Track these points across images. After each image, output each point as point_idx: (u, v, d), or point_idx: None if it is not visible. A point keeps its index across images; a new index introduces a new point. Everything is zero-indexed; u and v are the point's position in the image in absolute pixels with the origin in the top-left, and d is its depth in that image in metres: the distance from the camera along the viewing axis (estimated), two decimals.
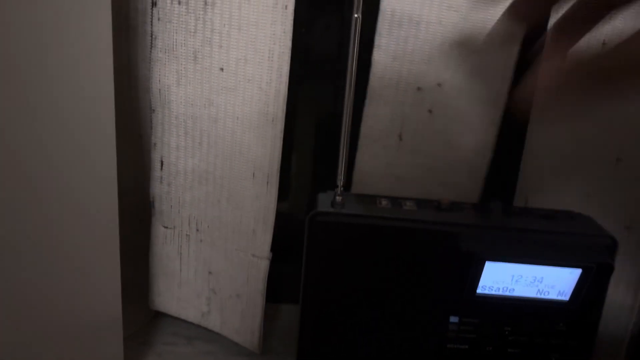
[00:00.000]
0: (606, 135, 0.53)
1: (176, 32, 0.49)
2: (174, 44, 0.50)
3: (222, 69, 0.49)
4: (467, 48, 0.52)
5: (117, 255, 0.46)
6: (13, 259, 0.40)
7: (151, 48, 0.50)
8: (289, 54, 0.47)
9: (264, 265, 0.52)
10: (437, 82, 0.53)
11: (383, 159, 0.56)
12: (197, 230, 0.55)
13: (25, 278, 0.41)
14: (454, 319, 0.52)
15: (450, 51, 0.52)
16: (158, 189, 0.55)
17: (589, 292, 0.50)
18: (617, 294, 0.56)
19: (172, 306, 0.59)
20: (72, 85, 0.39)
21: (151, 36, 0.50)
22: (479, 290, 0.51)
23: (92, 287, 0.45)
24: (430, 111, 0.54)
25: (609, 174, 0.53)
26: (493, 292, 0.51)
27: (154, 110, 0.53)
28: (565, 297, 0.51)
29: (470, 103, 0.53)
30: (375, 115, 0.54)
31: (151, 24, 0.50)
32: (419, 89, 0.53)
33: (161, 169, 0.54)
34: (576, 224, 0.52)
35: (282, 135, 0.49)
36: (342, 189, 0.51)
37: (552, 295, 0.51)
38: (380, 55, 0.52)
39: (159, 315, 0.63)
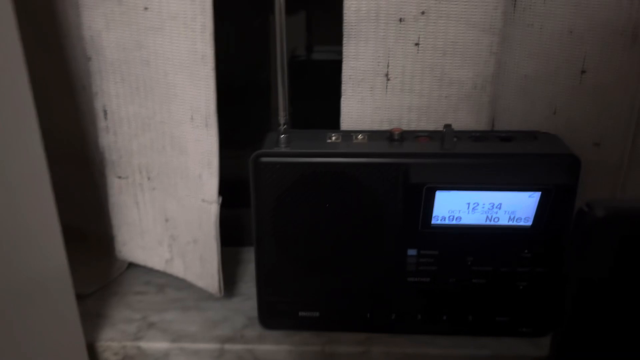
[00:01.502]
0: (569, 48, 0.48)
1: None
2: None
3: (146, 8, 0.47)
4: None
5: (53, 205, 0.45)
6: None
7: None
8: None
9: (214, 209, 0.51)
10: (420, 10, 0.49)
11: (371, 102, 0.52)
12: (149, 178, 0.54)
13: None
14: (412, 252, 0.50)
15: None
16: (106, 139, 0.54)
17: (553, 215, 0.47)
18: None
19: (138, 255, 0.59)
20: None
21: None
22: (434, 221, 0.49)
23: (32, 243, 0.44)
24: (417, 44, 0.50)
25: (575, 88, 0.49)
26: (449, 222, 0.49)
27: (89, 58, 0.51)
28: (528, 223, 0.48)
29: (462, 31, 0.49)
30: (356, 54, 0.51)
31: None
32: (401, 20, 0.49)
33: (105, 118, 0.53)
34: (537, 145, 0.49)
35: (214, 74, 0.47)
36: (285, 126, 0.49)
37: (513, 221, 0.48)
38: None
39: (134, 265, 0.63)
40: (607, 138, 0.50)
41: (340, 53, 0.66)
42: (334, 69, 0.66)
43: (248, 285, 0.61)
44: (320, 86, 0.65)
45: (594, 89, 0.48)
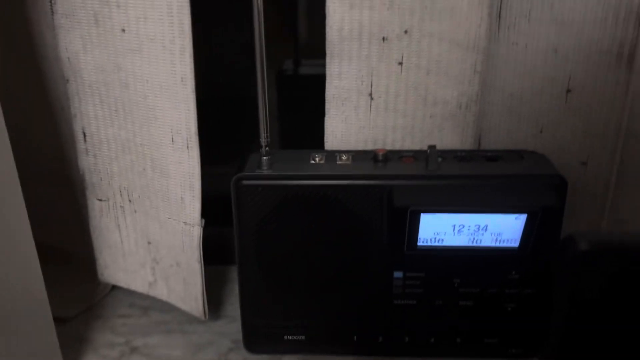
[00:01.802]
0: (554, 68, 0.48)
1: None
2: (73, 7, 0.46)
3: (123, 30, 0.46)
4: None
5: (28, 228, 0.44)
6: None
7: (52, 14, 0.47)
8: (188, 6, 0.43)
9: (196, 232, 0.50)
10: (403, 29, 0.48)
11: (355, 121, 0.52)
12: (130, 200, 0.53)
13: None
14: (398, 275, 0.50)
15: None
16: (86, 161, 0.53)
17: (540, 236, 0.47)
18: None
19: (120, 277, 0.58)
20: None
21: (50, 1, 0.47)
22: (419, 243, 0.48)
23: (7, 267, 0.43)
24: (400, 63, 0.49)
25: (560, 106, 0.49)
26: (435, 244, 0.48)
27: (67, 80, 0.50)
28: (515, 244, 0.48)
29: (446, 50, 0.48)
30: (339, 73, 0.50)
31: None
32: (384, 39, 0.49)
33: (84, 140, 0.52)
34: (523, 165, 0.48)
35: (194, 96, 0.46)
36: (267, 148, 0.48)
37: (500, 243, 0.48)
38: (335, 4, 0.47)
39: (119, 287, 0.62)
40: (594, 157, 0.49)
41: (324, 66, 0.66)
42: (322, 83, 0.66)
43: (234, 306, 0.60)
44: (308, 100, 0.64)
45: (580, 107, 0.48)
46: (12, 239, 0.43)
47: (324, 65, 0.64)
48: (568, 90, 0.48)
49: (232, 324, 0.58)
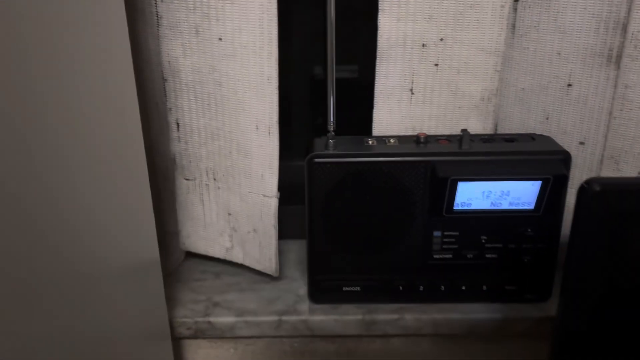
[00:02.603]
0: (557, 67, 0.60)
1: (178, 11, 0.57)
2: (177, 20, 0.58)
3: (220, 39, 0.57)
4: (464, 3, 0.59)
5: (150, 205, 0.55)
6: (59, 213, 0.48)
7: (158, 26, 0.59)
8: (276, 20, 0.55)
9: (273, 202, 0.62)
10: (439, 37, 0.60)
11: (398, 112, 0.64)
12: (215, 179, 0.64)
13: (70, 228, 0.49)
14: (437, 234, 0.62)
15: (449, 8, 0.59)
16: (177, 147, 0.64)
17: (550, 200, 0.59)
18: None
19: (200, 246, 0.69)
20: (95, 72, 0.47)
21: (157, 16, 0.58)
22: (455, 207, 0.60)
23: (130, 233, 0.54)
24: (436, 65, 0.62)
25: (563, 98, 0.61)
26: (468, 208, 0.60)
27: (166, 79, 0.61)
28: (531, 206, 0.60)
29: (473, 54, 0.61)
30: (386, 73, 0.62)
31: (155, 5, 0.58)
32: (423, 45, 0.61)
33: (177, 129, 0.63)
34: (536, 144, 0.61)
35: (277, 92, 0.58)
36: (333, 132, 0.60)
37: (519, 205, 0.60)
38: (385, 18, 0.59)
39: (189, 257, 0.73)
40: (590, 138, 0.62)
41: (353, 71, 0.77)
42: (348, 86, 0.77)
43: (290, 271, 0.71)
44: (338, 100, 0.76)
45: (578, 98, 0.61)
46: (137, 213, 0.54)
47: (350, 70, 0.77)
48: (569, 85, 0.61)
49: (292, 283, 0.69)
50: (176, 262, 0.72)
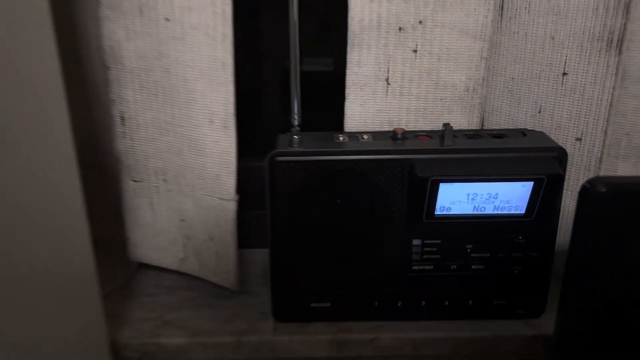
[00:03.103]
0: (551, 53, 0.54)
1: None
2: None
3: (167, 19, 0.50)
4: None
5: (83, 211, 0.47)
6: None
7: (97, 6, 0.51)
8: None
9: (231, 207, 0.54)
10: (418, 19, 0.53)
11: (372, 105, 0.57)
12: (165, 180, 0.57)
13: None
14: (416, 242, 0.54)
15: None
16: (122, 144, 0.56)
17: (543, 203, 0.52)
18: (573, 203, 0.58)
19: (151, 256, 0.61)
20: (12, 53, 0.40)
21: None
22: (437, 212, 0.53)
23: (60, 243, 0.46)
24: (415, 51, 0.55)
25: (557, 88, 0.55)
26: (451, 212, 0.53)
27: (108, 67, 0.54)
28: (521, 211, 0.53)
29: (456, 38, 0.54)
30: (359, 61, 0.55)
31: None
32: (400, 29, 0.54)
33: (122, 124, 0.55)
34: (527, 140, 0.54)
35: (233, 79, 0.50)
36: (298, 127, 0.52)
37: (509, 209, 0.53)
38: None
39: (143, 268, 0.65)
40: (587, 133, 0.55)
41: (328, 64, 0.71)
42: (322, 79, 0.71)
43: (255, 283, 0.64)
44: (310, 96, 0.69)
45: (574, 89, 0.54)
46: (69, 221, 0.46)
47: (325, 63, 0.70)
48: (564, 74, 0.54)
49: (256, 298, 0.61)
50: (125, 274, 0.64)
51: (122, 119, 0.55)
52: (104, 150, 0.58)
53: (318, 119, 0.60)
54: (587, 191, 0.36)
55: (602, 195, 0.35)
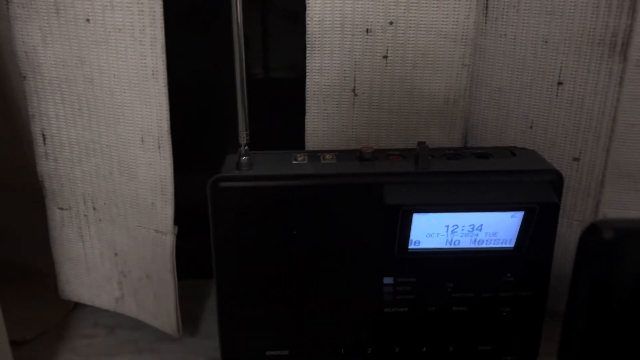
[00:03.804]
0: (544, 59, 0.46)
1: None
2: None
3: (88, 20, 0.42)
4: None
5: None
6: None
7: (7, 3, 0.43)
8: None
9: (169, 240, 0.46)
10: (388, 20, 0.46)
11: (337, 119, 0.49)
12: (94, 208, 0.49)
13: None
14: (388, 280, 0.47)
15: None
16: (45, 166, 0.48)
17: (536, 235, 0.45)
18: (570, 233, 0.50)
19: (84, 293, 0.53)
20: None
21: None
22: (411, 246, 0.45)
23: None
24: (385, 57, 0.47)
25: (551, 100, 0.47)
26: (427, 247, 0.45)
27: (24, 76, 0.46)
28: (510, 244, 0.45)
29: (433, 42, 0.47)
30: (320, 67, 0.47)
31: None
32: (368, 30, 0.46)
33: (44, 143, 0.47)
34: (517, 161, 0.46)
35: (166, 91, 0.42)
36: (246, 148, 0.44)
37: (495, 243, 0.45)
38: None
39: (82, 305, 0.57)
40: (587, 152, 0.47)
41: (296, 70, 0.63)
42: (294, 86, 0.63)
43: (207, 323, 0.56)
44: (280, 106, 0.61)
45: (572, 100, 0.46)
46: None
47: (293, 69, 0.62)
48: (559, 83, 0.46)
49: (206, 341, 0.53)
50: (60, 313, 0.56)
51: (44, 137, 0.47)
52: (27, 173, 0.50)
53: (288, 129, 0.52)
54: (589, 237, 0.28)
55: (608, 243, 0.27)
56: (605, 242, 0.27)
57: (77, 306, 0.57)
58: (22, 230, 0.56)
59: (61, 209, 0.50)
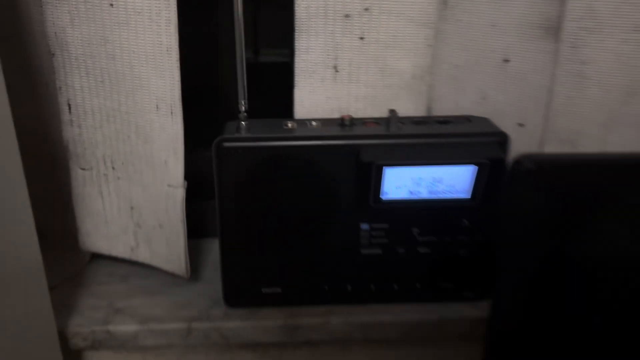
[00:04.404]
0: (493, 39, 0.55)
1: None
2: None
3: (112, 5, 0.50)
4: None
5: (28, 201, 0.47)
6: None
7: None
8: None
9: (179, 193, 0.54)
10: (364, 6, 0.54)
11: (322, 92, 0.57)
12: (113, 168, 0.56)
13: None
14: (364, 227, 0.55)
15: None
16: (70, 132, 0.56)
17: (487, 187, 0.54)
18: None
19: (102, 245, 0.61)
20: None
21: None
22: (383, 197, 0.54)
23: (6, 235, 0.46)
24: (362, 38, 0.55)
25: (500, 75, 0.56)
26: (397, 197, 0.54)
27: (53, 54, 0.53)
28: (466, 195, 0.54)
29: (402, 25, 0.55)
30: (307, 47, 0.55)
31: None
32: (347, 15, 0.54)
33: (69, 111, 0.55)
34: (471, 126, 0.55)
35: (179, 65, 0.50)
36: (245, 113, 0.53)
37: (454, 193, 0.54)
38: None
39: (96, 259, 0.65)
40: (529, 119, 0.56)
41: (284, 55, 0.71)
42: (280, 70, 0.71)
43: (208, 272, 0.64)
44: (269, 87, 0.69)
45: (516, 75, 0.55)
46: (11, 211, 0.46)
47: (282, 54, 0.70)
48: (505, 60, 0.55)
49: (209, 285, 0.61)
50: (78, 264, 0.63)
51: (69, 106, 0.55)
52: (52, 139, 0.58)
53: (276, 108, 0.60)
54: (516, 169, 0.37)
55: (531, 172, 0.36)
56: (526, 169, 0.36)
57: (92, 259, 0.65)
58: (43, 193, 0.63)
59: (83, 169, 0.57)
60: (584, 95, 0.54)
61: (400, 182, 0.53)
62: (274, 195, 0.53)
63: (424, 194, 0.54)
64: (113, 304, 0.58)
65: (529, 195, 0.37)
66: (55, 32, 0.52)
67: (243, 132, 0.52)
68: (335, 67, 0.56)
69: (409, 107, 0.58)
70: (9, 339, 0.48)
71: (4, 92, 0.43)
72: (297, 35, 0.55)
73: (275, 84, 0.68)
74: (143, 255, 0.60)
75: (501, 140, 0.53)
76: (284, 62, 0.72)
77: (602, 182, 0.38)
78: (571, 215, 0.38)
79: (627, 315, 0.43)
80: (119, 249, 0.60)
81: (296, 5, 0.53)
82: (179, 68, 0.50)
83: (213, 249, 0.68)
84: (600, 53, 0.53)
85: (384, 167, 0.52)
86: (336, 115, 0.57)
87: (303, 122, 0.55)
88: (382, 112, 0.58)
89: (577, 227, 0.39)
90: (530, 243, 0.40)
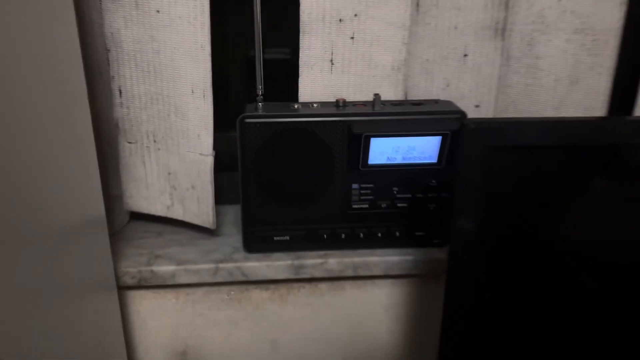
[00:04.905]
0: (455, 39, 0.70)
1: None
2: None
3: (158, 11, 0.64)
4: None
5: (96, 168, 0.61)
6: (15, 174, 0.48)
7: (100, 1, 0.65)
8: None
9: (209, 160, 0.69)
10: (354, 13, 0.68)
11: (321, 81, 0.72)
12: (155, 141, 0.71)
13: (23, 188, 0.50)
14: (355, 186, 0.70)
15: None
16: (120, 113, 0.70)
17: (449, 154, 0.69)
18: None
19: (143, 205, 0.75)
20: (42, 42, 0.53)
21: None
22: (370, 162, 0.69)
23: (79, 194, 0.59)
24: (352, 38, 0.70)
25: (461, 67, 0.71)
26: (380, 162, 0.69)
27: (109, 50, 0.67)
28: (434, 160, 0.69)
29: (384, 28, 0.69)
30: (309, 46, 0.70)
31: None
32: (340, 20, 0.69)
33: (120, 96, 0.69)
34: (438, 106, 0.70)
35: (210, 58, 0.65)
36: (262, 96, 0.67)
37: (424, 159, 0.69)
38: None
39: (133, 220, 0.79)
40: (484, 102, 0.72)
41: (286, 53, 0.85)
42: (282, 65, 0.85)
43: (229, 229, 0.78)
44: (273, 80, 0.84)
45: (473, 67, 0.71)
46: (86, 177, 0.59)
47: (283, 52, 0.85)
48: (465, 55, 0.70)
49: (230, 238, 0.76)
50: (121, 223, 0.77)
51: (120, 92, 0.69)
52: (103, 119, 0.72)
53: (277, 98, 0.75)
54: (463, 129, 0.52)
55: (473, 131, 0.51)
56: (470, 129, 0.51)
57: (130, 220, 0.79)
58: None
59: (129, 142, 0.71)
60: (540, 84, 0.70)
61: (384, 150, 0.68)
62: (285, 161, 0.68)
63: (401, 159, 0.69)
64: (153, 251, 0.72)
65: (474, 149, 0.52)
66: (112, 33, 0.66)
67: (260, 111, 0.67)
68: (331, 61, 0.71)
69: (389, 93, 0.73)
70: (76, 276, 0.61)
71: (84, 88, 0.57)
72: (301, 35, 0.69)
73: (277, 76, 0.83)
74: (177, 212, 0.74)
75: (461, 117, 0.68)
76: (284, 59, 0.86)
77: (530, 138, 0.53)
78: (506, 167, 0.53)
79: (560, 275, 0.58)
80: (157, 208, 0.74)
81: (301, 11, 0.68)
82: (210, 61, 0.65)
83: (229, 212, 0.82)
84: (550, 50, 0.69)
85: (370, 138, 0.67)
86: (332, 99, 0.72)
87: (307, 104, 0.70)
88: (369, 96, 0.72)
89: (510, 176, 0.54)
90: (476, 189, 0.55)
